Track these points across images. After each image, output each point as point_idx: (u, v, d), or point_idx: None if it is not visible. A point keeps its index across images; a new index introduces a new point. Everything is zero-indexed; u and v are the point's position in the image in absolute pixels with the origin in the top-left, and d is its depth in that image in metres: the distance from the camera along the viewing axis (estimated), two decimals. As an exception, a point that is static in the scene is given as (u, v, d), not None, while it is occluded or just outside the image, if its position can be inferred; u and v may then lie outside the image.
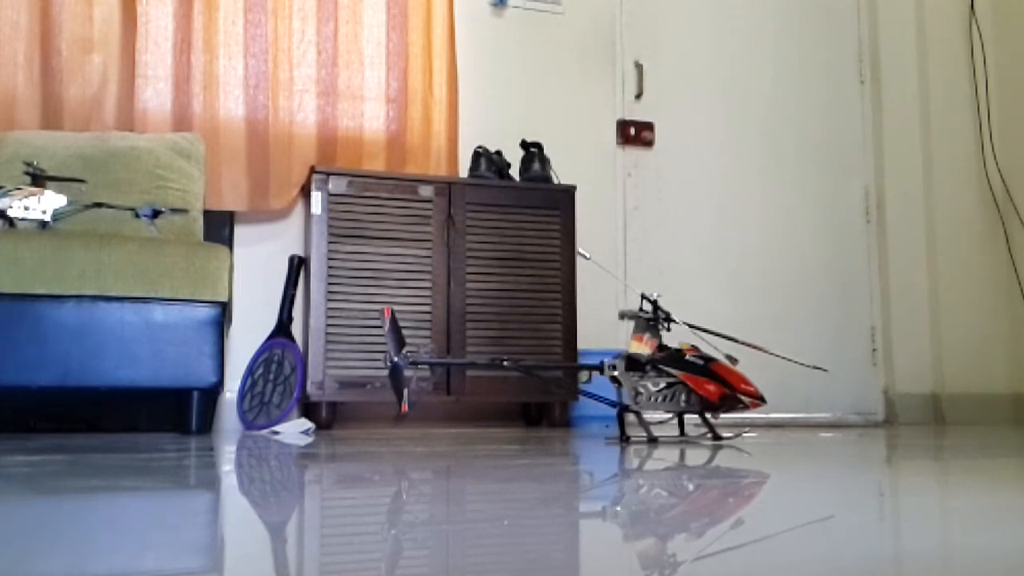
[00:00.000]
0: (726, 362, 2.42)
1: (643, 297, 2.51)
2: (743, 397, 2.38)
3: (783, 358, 2.75)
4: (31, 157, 2.95)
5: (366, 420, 3.49)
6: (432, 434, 2.77)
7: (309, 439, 2.48)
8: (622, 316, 2.52)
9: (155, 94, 3.32)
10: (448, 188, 3.32)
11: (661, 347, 2.48)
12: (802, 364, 2.87)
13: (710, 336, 3.89)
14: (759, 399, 2.40)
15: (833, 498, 1.09)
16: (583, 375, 3.38)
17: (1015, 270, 4.36)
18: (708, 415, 2.44)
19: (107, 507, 0.98)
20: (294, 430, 2.93)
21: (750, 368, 3.93)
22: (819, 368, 2.78)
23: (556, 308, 3.36)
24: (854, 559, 0.68)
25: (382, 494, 1.14)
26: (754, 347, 2.63)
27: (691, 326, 2.52)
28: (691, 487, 1.23)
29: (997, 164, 4.42)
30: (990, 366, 4.31)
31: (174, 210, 2.95)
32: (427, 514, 0.94)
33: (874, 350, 4.27)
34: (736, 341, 2.59)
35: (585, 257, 2.62)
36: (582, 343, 3.72)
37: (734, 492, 1.16)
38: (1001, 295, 4.38)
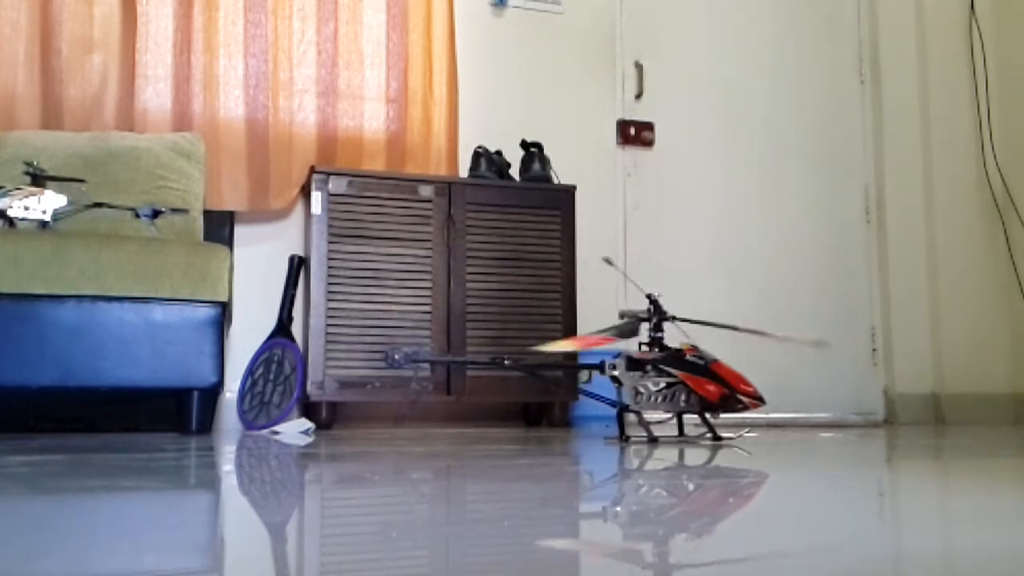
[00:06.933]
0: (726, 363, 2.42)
1: (649, 298, 2.51)
2: (742, 397, 2.38)
3: (782, 337, 2.71)
4: (31, 157, 2.95)
5: (366, 420, 3.49)
6: (432, 434, 2.77)
7: (309, 439, 2.48)
8: (622, 316, 2.52)
9: (155, 94, 3.32)
10: (448, 188, 3.32)
11: (662, 347, 2.48)
12: (802, 342, 2.82)
13: (708, 328, 3.89)
14: (758, 399, 2.40)
15: (833, 498, 1.09)
16: (583, 375, 3.38)
17: (1015, 270, 4.36)
18: (708, 415, 2.44)
19: (107, 507, 0.98)
20: (294, 430, 2.93)
21: (751, 369, 3.93)
22: (821, 343, 2.76)
23: (556, 308, 3.36)
24: (854, 559, 0.68)
25: (382, 494, 1.14)
26: (752, 332, 2.63)
27: (681, 320, 2.52)
28: (691, 487, 1.23)
29: (997, 164, 4.42)
30: (990, 366, 4.31)
31: (174, 210, 2.95)
32: (427, 514, 0.94)
33: (874, 350, 4.27)
34: (737, 329, 2.59)
35: (611, 264, 2.61)
36: (582, 343, 3.72)
37: (734, 492, 1.16)
38: (1001, 295, 4.38)
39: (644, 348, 2.50)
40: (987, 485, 1.23)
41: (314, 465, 1.61)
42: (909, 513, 0.97)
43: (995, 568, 0.65)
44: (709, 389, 2.37)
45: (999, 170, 4.41)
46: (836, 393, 4.18)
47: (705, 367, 2.40)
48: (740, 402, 2.38)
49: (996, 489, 1.18)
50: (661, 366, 2.38)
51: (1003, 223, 4.39)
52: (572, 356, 3.35)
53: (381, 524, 0.87)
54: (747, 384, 2.40)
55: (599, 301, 3.88)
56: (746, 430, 3.13)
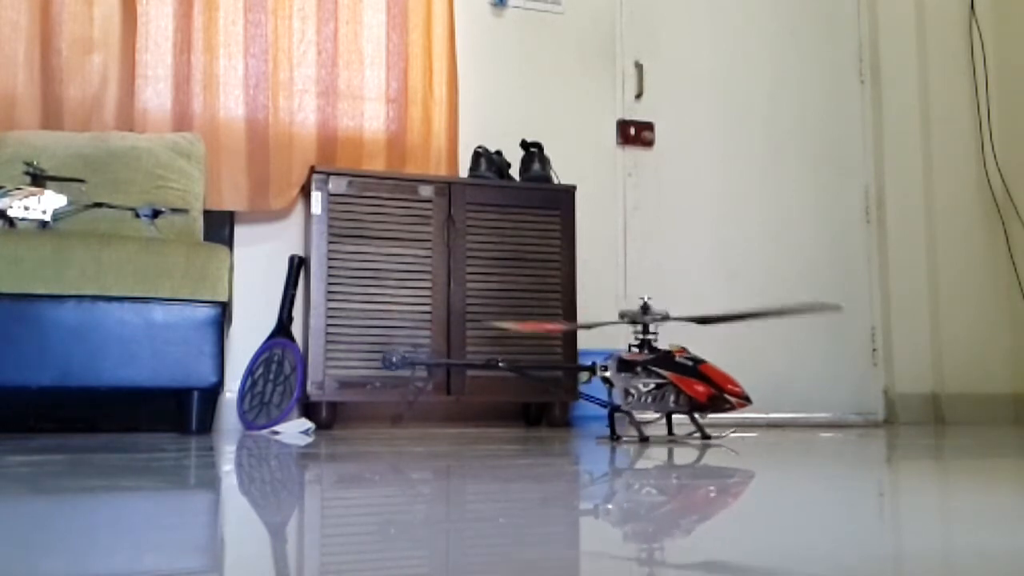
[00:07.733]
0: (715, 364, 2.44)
1: (641, 306, 2.51)
2: (730, 397, 2.40)
3: (785, 312, 2.56)
4: (31, 157, 2.95)
5: (366, 420, 3.49)
6: (432, 434, 2.77)
7: (309, 439, 2.48)
8: (622, 317, 2.52)
9: (155, 94, 3.32)
10: (448, 188, 3.32)
11: (652, 349, 2.49)
12: (807, 310, 2.65)
13: (708, 331, 3.89)
14: (745, 399, 2.41)
15: (833, 498, 1.09)
16: (583, 376, 3.38)
17: (1015, 270, 4.36)
18: (696, 415, 2.45)
19: (107, 507, 0.98)
20: (294, 430, 2.93)
21: (751, 369, 3.93)
22: (831, 306, 2.71)
23: (556, 308, 3.36)
24: (854, 559, 0.68)
25: (382, 494, 1.14)
26: (751, 316, 2.62)
27: (676, 319, 2.52)
28: (685, 487, 1.23)
29: (997, 164, 4.42)
30: (990, 366, 4.31)
31: (174, 210, 2.95)
32: (427, 514, 0.94)
33: (874, 350, 4.27)
34: (728, 319, 2.58)
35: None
36: (582, 343, 3.72)
37: (732, 492, 1.16)
38: (1001, 295, 4.38)
39: (635, 350, 2.51)
40: (987, 485, 1.23)
41: (314, 465, 1.61)
42: (909, 513, 0.97)
43: (995, 568, 0.65)
44: (698, 389, 2.38)
45: (999, 170, 4.41)
46: (836, 393, 4.18)
47: (694, 368, 2.41)
48: (728, 402, 2.40)
49: (996, 489, 1.18)
50: (651, 367, 2.39)
51: (1003, 223, 4.39)
52: (571, 358, 3.35)
53: (381, 524, 0.87)
54: (735, 384, 2.41)
55: (599, 301, 3.88)
56: (731, 430, 3.14)
